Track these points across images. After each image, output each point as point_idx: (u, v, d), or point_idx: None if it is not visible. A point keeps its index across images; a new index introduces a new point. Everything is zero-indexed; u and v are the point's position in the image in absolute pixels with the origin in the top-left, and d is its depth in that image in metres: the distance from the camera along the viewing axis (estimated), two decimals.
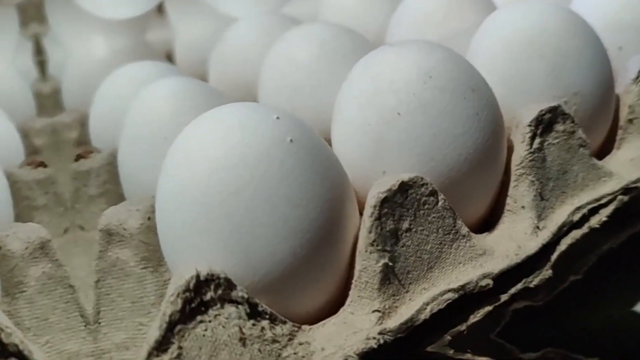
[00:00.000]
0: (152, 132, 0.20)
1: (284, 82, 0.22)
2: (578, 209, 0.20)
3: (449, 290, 0.17)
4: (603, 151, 0.23)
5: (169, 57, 0.35)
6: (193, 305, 0.14)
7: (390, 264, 0.16)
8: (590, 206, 0.20)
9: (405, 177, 0.17)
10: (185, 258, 0.16)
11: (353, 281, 0.17)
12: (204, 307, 0.15)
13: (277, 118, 0.16)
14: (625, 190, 0.21)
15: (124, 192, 0.22)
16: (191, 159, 0.15)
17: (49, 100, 0.33)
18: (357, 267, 0.17)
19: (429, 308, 0.16)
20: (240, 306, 0.15)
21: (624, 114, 0.22)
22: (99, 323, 0.19)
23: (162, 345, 0.14)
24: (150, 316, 0.18)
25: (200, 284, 0.15)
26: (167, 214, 0.16)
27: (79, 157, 0.24)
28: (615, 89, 0.23)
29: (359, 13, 0.30)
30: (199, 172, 0.15)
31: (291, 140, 0.16)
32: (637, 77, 0.22)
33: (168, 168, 0.16)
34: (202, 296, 0.15)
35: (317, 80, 0.22)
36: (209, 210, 0.15)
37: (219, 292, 0.15)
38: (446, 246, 0.17)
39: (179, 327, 0.14)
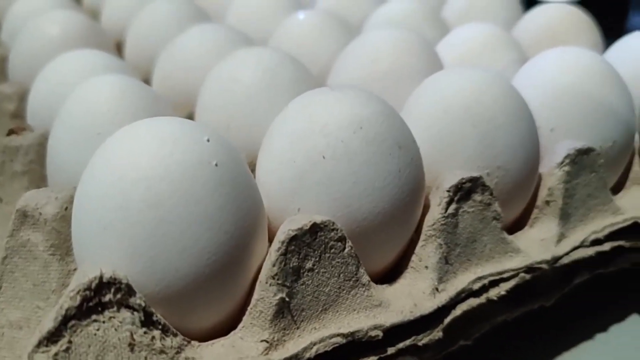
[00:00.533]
0: (86, 125, 0.20)
1: (224, 100, 0.23)
2: (479, 278, 0.20)
3: (338, 335, 0.17)
4: (516, 226, 0.24)
5: (119, 47, 0.35)
6: (91, 304, 0.15)
7: (287, 299, 0.17)
8: (491, 278, 0.21)
9: (318, 219, 0.17)
10: (93, 256, 0.16)
11: (248, 308, 0.17)
12: (101, 307, 0.15)
13: (208, 140, 0.16)
14: (529, 269, 0.21)
15: (47, 175, 0.22)
16: (118, 163, 0.16)
17: None
18: (255, 295, 0.17)
19: (315, 348, 0.17)
20: (135, 313, 0.15)
21: (542, 194, 0.23)
22: None
23: (53, 336, 0.15)
24: (49, 302, 0.18)
25: (102, 285, 0.15)
26: (85, 210, 0.16)
27: (10, 132, 0.24)
28: (539, 168, 0.24)
29: (313, 40, 0.30)
30: (123, 178, 0.15)
31: (216, 164, 0.16)
32: (562, 162, 0.23)
33: (95, 166, 0.16)
34: (101, 297, 0.15)
35: (256, 104, 0.22)
36: (126, 217, 0.15)
37: (118, 296, 0.15)
38: (344, 291, 0.18)
39: (72, 322, 0.15)
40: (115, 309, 0.15)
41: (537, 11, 0.34)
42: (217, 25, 0.29)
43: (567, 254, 0.23)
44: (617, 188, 0.26)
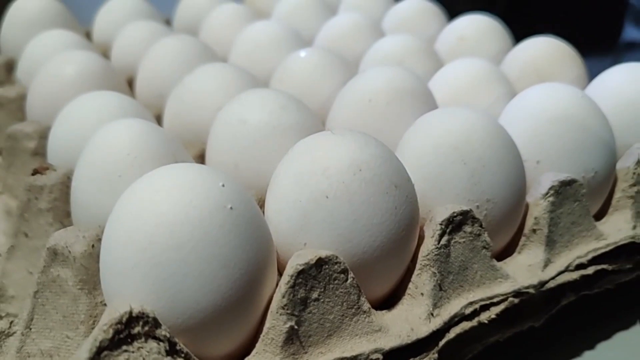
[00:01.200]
0: (108, 168, 0.22)
1: (232, 141, 0.25)
2: (471, 303, 0.22)
3: (342, 358, 0.19)
4: (505, 252, 0.26)
5: (130, 82, 0.37)
6: (121, 336, 0.17)
7: (296, 327, 0.19)
8: (482, 302, 0.22)
9: (323, 253, 0.19)
10: (121, 293, 0.18)
11: (261, 336, 0.19)
12: (131, 339, 0.17)
13: (223, 185, 0.18)
14: (517, 293, 0.23)
15: (71, 213, 0.24)
16: (143, 210, 0.17)
17: (13, 104, 0.35)
18: (267, 324, 0.19)
19: None
20: (161, 343, 0.17)
21: (529, 222, 0.25)
22: (30, 329, 0.20)
23: None
24: (78, 332, 0.20)
25: (131, 319, 0.17)
26: (112, 251, 0.18)
27: (35, 172, 0.25)
28: (527, 198, 0.26)
29: (314, 76, 0.32)
30: (147, 223, 0.17)
31: (231, 208, 0.18)
32: (547, 193, 0.25)
33: (120, 211, 0.18)
34: (130, 329, 0.17)
35: (263, 144, 0.24)
36: (150, 258, 0.17)
37: (146, 328, 0.17)
38: (347, 318, 0.20)
39: (105, 352, 0.16)
40: (143, 339, 0.17)
41: (523, 45, 0.36)
42: (224, 65, 0.31)
43: (553, 278, 0.24)
44: (600, 214, 0.28)
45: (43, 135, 0.30)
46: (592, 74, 0.33)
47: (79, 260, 0.20)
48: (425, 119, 0.24)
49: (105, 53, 0.42)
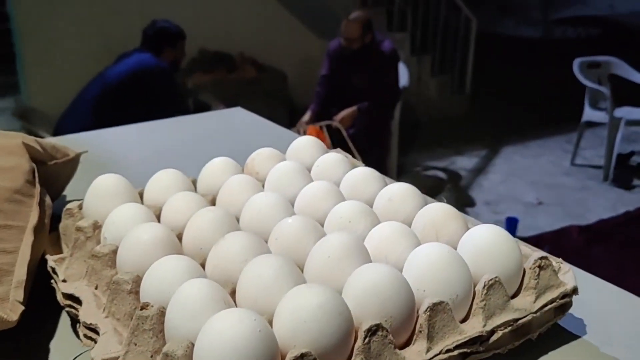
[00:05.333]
0: (188, 314, 0.42)
1: (254, 290, 0.45)
2: None
3: None
4: (404, 344, 0.45)
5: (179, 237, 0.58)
6: None
7: None
8: None
9: (304, 350, 0.39)
10: None
11: None
12: None
13: (260, 331, 0.38)
14: None
15: (165, 334, 0.44)
16: (211, 340, 0.38)
17: (106, 257, 0.55)
18: None
19: None
20: None
21: (417, 326, 0.45)
22: None
23: None
24: None
25: None
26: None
27: (142, 307, 0.45)
28: (416, 312, 0.46)
29: (298, 235, 0.53)
30: (213, 348, 0.37)
31: (260, 331, 0.38)
32: (426, 309, 0.45)
33: (200, 345, 0.38)
34: None
35: (276, 291, 0.44)
36: None
37: None
38: None
39: None
40: None
41: (426, 208, 0.57)
42: (243, 233, 0.52)
43: (431, 358, 0.44)
44: (465, 318, 0.49)
45: (137, 281, 0.50)
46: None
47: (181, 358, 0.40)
48: (358, 271, 0.45)
49: (156, 211, 0.62)
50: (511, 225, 3.06)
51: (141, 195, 0.67)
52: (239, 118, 1.20)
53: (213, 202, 0.65)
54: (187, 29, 2.98)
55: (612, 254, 2.92)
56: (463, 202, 3.39)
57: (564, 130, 4.55)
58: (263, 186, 0.68)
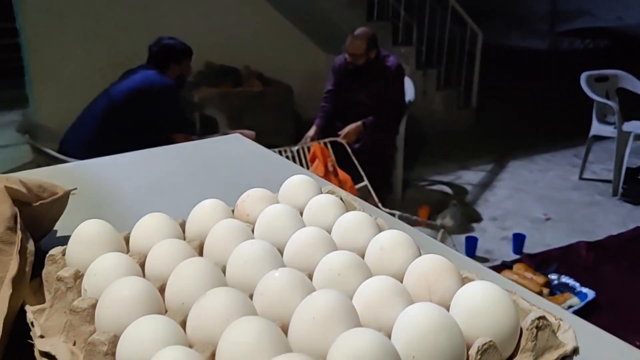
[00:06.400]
0: None
1: (235, 355, 0.43)
2: None
3: None
4: None
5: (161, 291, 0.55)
6: None
7: None
8: None
9: None
10: None
11: None
12: None
13: None
14: None
15: None
16: None
17: (85, 312, 0.52)
18: None
19: None
20: None
21: None
22: None
23: None
24: None
25: None
26: None
27: None
28: None
29: (284, 289, 0.51)
30: None
31: None
32: None
33: None
34: None
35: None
36: None
37: None
38: None
39: None
40: None
41: (419, 260, 0.55)
42: (227, 289, 0.50)
43: None
44: None
45: (113, 342, 0.47)
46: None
47: None
48: (344, 336, 0.43)
49: (140, 259, 0.60)
50: (518, 241, 3.02)
51: (127, 239, 0.65)
52: (236, 145, 1.18)
53: (201, 249, 0.63)
54: (194, 43, 2.98)
55: (622, 271, 2.87)
56: (469, 218, 3.36)
57: (572, 143, 4.52)
58: (253, 230, 0.65)
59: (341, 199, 0.72)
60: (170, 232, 0.63)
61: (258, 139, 3.67)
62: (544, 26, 8.56)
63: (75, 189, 0.78)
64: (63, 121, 2.84)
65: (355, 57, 3.26)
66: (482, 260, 2.88)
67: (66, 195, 0.76)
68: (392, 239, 0.59)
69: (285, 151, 2.83)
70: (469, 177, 4.03)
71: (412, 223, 2.94)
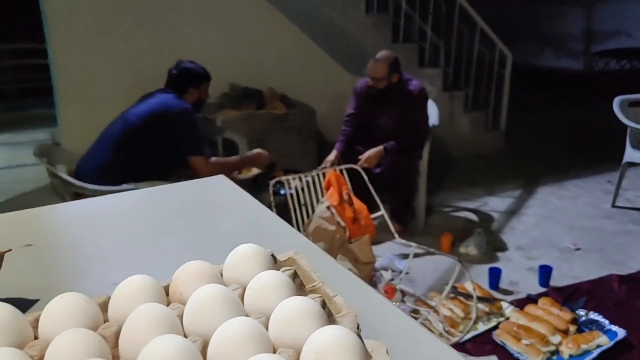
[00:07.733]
0: None
1: None
2: None
3: None
4: None
5: None
6: None
7: None
8: None
9: None
10: None
11: None
12: None
13: None
14: None
15: None
16: None
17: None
18: None
19: None
20: None
21: None
22: None
23: None
24: None
25: None
26: None
27: None
28: None
29: None
30: None
31: None
32: None
33: None
34: None
35: None
36: None
37: None
38: None
39: None
40: None
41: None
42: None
43: None
44: None
45: None
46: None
47: None
48: None
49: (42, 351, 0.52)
50: (545, 273, 2.89)
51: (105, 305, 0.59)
52: (220, 189, 1.11)
53: (116, 338, 0.54)
54: (217, 65, 2.95)
55: None
56: (494, 247, 3.24)
57: (604, 169, 4.36)
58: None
59: (294, 274, 0.62)
60: (83, 317, 0.55)
61: (280, 161, 3.61)
62: (578, 46, 8.38)
63: (10, 250, 0.72)
64: (86, 142, 2.83)
65: (376, 81, 3.19)
66: (506, 292, 2.75)
67: (1, 256, 0.71)
68: (331, 341, 0.48)
69: (303, 177, 2.77)
70: (495, 204, 3.90)
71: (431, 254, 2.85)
